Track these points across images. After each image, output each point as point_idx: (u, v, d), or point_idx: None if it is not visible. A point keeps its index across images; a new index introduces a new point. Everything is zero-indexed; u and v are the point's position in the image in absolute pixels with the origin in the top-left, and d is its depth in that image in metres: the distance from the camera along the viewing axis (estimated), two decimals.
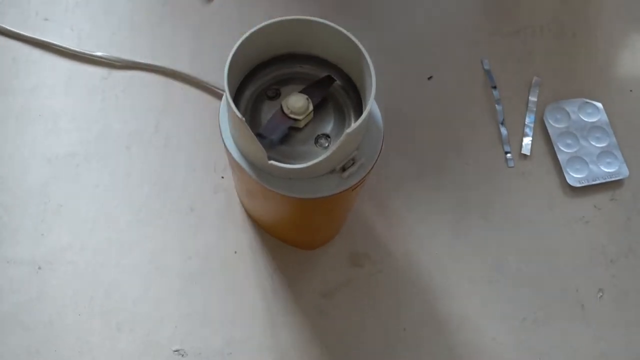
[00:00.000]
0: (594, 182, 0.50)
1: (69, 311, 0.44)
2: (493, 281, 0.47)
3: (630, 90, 0.55)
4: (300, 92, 0.33)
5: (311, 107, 0.33)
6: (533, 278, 0.47)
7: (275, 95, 0.35)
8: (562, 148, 0.51)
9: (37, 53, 0.53)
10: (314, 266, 0.47)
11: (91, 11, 0.55)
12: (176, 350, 0.44)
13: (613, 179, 0.50)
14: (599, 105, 0.53)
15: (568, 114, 0.53)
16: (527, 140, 0.52)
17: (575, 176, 0.50)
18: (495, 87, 0.54)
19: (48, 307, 0.44)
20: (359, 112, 0.34)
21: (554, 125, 0.52)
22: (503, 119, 0.52)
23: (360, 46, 0.32)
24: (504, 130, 0.52)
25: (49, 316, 0.44)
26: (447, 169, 0.51)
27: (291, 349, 0.44)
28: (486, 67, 0.55)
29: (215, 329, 0.44)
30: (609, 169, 0.51)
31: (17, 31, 0.53)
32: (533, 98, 0.54)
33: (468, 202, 0.49)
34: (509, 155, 0.51)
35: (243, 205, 0.48)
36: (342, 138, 0.30)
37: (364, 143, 0.33)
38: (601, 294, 0.47)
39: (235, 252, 0.47)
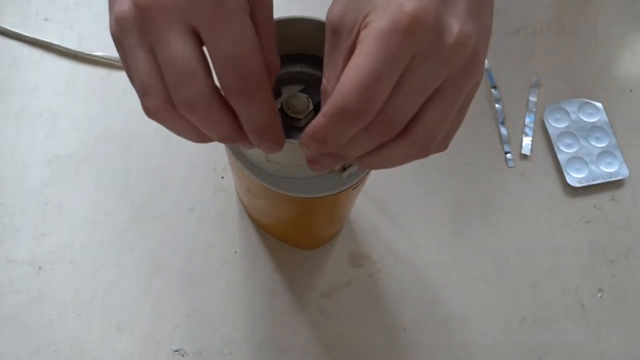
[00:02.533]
0: (594, 182, 0.50)
1: (69, 311, 0.44)
2: (493, 281, 0.47)
3: (630, 90, 0.55)
4: (300, 92, 0.33)
5: (311, 107, 0.33)
6: (533, 278, 0.47)
7: (275, 95, 0.35)
8: (562, 148, 0.51)
9: (37, 53, 0.53)
10: (314, 266, 0.47)
11: (91, 11, 0.55)
12: (176, 350, 0.44)
13: (613, 179, 0.50)
14: (599, 105, 0.53)
15: (568, 114, 0.53)
16: (527, 140, 0.52)
17: (575, 176, 0.50)
18: (495, 87, 0.54)
19: (48, 307, 0.44)
20: None
21: (554, 125, 0.52)
22: (503, 119, 0.52)
23: None
24: (504, 130, 0.52)
25: (49, 316, 0.44)
26: (447, 169, 0.51)
27: (291, 349, 0.44)
28: (486, 66, 0.55)
29: (215, 329, 0.44)
30: (609, 169, 0.51)
31: (17, 31, 0.53)
32: (533, 98, 0.54)
33: (468, 202, 0.49)
34: (509, 155, 0.51)
35: (243, 205, 0.48)
36: None
37: None
38: (601, 294, 0.47)
39: (235, 252, 0.47)
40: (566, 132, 0.52)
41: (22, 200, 0.47)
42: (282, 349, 0.44)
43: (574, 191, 0.50)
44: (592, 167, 0.51)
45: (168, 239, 0.47)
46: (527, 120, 0.53)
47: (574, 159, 0.51)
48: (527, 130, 0.52)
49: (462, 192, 0.50)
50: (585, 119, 0.53)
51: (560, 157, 0.51)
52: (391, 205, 0.49)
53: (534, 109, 0.53)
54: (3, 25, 0.53)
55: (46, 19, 0.54)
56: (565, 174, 0.50)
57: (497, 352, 0.45)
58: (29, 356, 0.43)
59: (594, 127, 0.52)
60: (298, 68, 0.36)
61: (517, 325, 0.46)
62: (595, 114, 0.53)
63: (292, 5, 0.56)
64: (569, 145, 0.51)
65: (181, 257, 0.46)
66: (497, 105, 0.53)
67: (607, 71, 0.56)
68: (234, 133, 0.25)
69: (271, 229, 0.46)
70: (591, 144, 0.52)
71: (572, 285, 0.47)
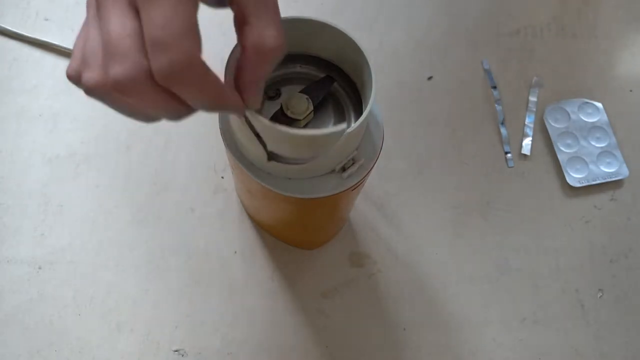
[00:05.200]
0: (594, 182, 0.50)
1: (69, 311, 0.44)
2: (493, 281, 0.47)
3: (630, 90, 0.55)
4: (300, 92, 0.33)
5: (311, 107, 0.33)
6: (533, 278, 0.47)
7: (275, 95, 0.35)
8: (562, 148, 0.51)
9: (37, 53, 0.53)
10: (314, 266, 0.47)
11: None
12: (176, 350, 0.44)
13: (613, 179, 0.50)
14: (599, 105, 0.53)
15: (568, 114, 0.53)
16: (527, 141, 0.52)
17: (575, 176, 0.50)
18: (495, 87, 0.54)
19: (48, 307, 0.44)
20: (359, 112, 0.34)
21: (554, 125, 0.52)
22: (503, 119, 0.52)
23: (361, 46, 0.32)
24: (504, 130, 0.52)
25: (49, 316, 0.44)
26: (447, 169, 0.51)
27: (291, 349, 0.44)
28: (486, 67, 0.55)
29: (215, 329, 0.44)
30: (609, 169, 0.50)
31: (18, 31, 0.53)
32: (533, 98, 0.54)
33: (468, 202, 0.49)
34: (509, 155, 0.51)
35: (243, 205, 0.48)
36: (342, 138, 0.30)
37: (364, 143, 0.33)
38: (601, 294, 0.47)
39: (235, 252, 0.47)
40: (566, 132, 0.52)
41: (22, 200, 0.47)
42: (282, 349, 0.44)
43: (573, 191, 0.50)
44: (592, 167, 0.51)
45: (168, 239, 0.47)
46: (527, 120, 0.53)
47: (574, 159, 0.51)
48: (527, 130, 0.52)
49: (462, 192, 0.50)
50: (585, 119, 0.53)
51: (560, 157, 0.51)
52: (391, 205, 0.49)
53: (534, 109, 0.53)
54: (3, 25, 0.53)
55: (46, 19, 0.54)
56: (565, 174, 0.50)
57: (497, 352, 0.45)
58: (29, 356, 0.43)
59: (594, 127, 0.52)
60: (298, 68, 0.36)
61: (517, 325, 0.46)
62: (595, 114, 0.53)
63: (292, 5, 0.56)
64: (569, 145, 0.51)
65: (181, 257, 0.46)
66: (497, 105, 0.53)
67: (607, 71, 0.56)
68: (175, 112, 0.24)
69: (271, 229, 0.46)
70: (591, 144, 0.52)
71: (572, 285, 0.47)
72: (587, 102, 0.53)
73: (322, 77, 0.35)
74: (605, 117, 0.53)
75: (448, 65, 0.55)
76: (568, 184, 0.50)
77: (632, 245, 0.49)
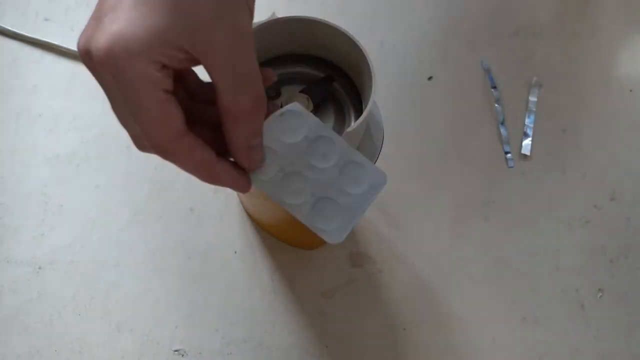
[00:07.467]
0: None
1: (69, 311, 0.44)
2: (493, 281, 0.47)
3: (630, 90, 0.55)
4: (300, 92, 0.33)
5: (311, 107, 0.33)
6: (533, 278, 0.47)
7: (275, 95, 0.35)
8: None
9: (37, 53, 0.53)
10: (314, 266, 0.47)
11: (91, 11, 0.55)
12: (176, 350, 0.44)
13: None
14: None
15: None
16: (527, 140, 0.52)
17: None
18: (495, 87, 0.54)
19: (48, 308, 0.44)
20: (359, 112, 0.34)
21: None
22: (503, 119, 0.52)
23: (361, 46, 0.32)
24: (504, 130, 0.52)
25: (49, 316, 0.44)
26: (447, 169, 0.51)
27: (291, 349, 0.44)
28: (486, 67, 0.55)
29: (215, 329, 0.44)
30: None
31: (18, 31, 0.53)
32: (533, 98, 0.54)
33: (468, 202, 0.49)
34: (509, 155, 0.51)
35: (243, 205, 0.48)
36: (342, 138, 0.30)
37: (364, 143, 0.33)
38: (601, 294, 0.47)
39: (235, 252, 0.47)
40: None
41: (22, 200, 0.47)
42: (282, 349, 0.44)
43: (573, 191, 0.50)
44: None
45: (168, 239, 0.47)
46: (527, 120, 0.53)
47: None
48: (527, 130, 0.52)
49: (462, 192, 0.50)
50: None
51: None
52: (391, 205, 0.49)
53: (534, 109, 0.53)
54: (3, 25, 0.53)
55: (46, 19, 0.54)
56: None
57: (497, 352, 0.45)
58: (29, 356, 0.43)
59: None
60: (298, 68, 0.36)
61: (517, 325, 0.46)
62: None
63: (292, 5, 0.56)
64: None
65: (181, 257, 0.46)
66: (497, 105, 0.53)
67: (607, 71, 0.56)
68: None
69: (271, 229, 0.46)
70: None
71: (572, 285, 0.47)
72: None
73: (322, 77, 0.35)
74: None
75: (448, 65, 0.55)
76: (568, 183, 0.50)
77: (632, 245, 0.49)
